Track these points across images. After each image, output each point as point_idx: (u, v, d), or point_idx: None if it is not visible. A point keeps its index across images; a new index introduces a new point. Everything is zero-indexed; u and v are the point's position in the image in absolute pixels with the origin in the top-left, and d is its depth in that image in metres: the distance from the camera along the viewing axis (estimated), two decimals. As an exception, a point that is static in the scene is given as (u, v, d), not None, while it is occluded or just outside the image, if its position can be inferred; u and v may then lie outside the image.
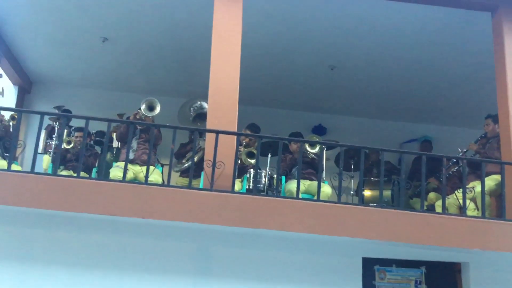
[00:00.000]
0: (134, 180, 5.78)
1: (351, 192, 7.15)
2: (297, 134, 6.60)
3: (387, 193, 6.66)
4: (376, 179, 7.07)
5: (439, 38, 6.65)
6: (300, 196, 5.31)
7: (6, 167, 4.92)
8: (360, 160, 5.22)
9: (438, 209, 5.85)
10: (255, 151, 6.15)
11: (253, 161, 6.13)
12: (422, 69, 7.45)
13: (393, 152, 6.41)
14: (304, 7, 6.23)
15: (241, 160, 6.03)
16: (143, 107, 5.92)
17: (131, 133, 5.21)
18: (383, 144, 7.44)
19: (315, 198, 5.23)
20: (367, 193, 7.16)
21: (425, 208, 5.43)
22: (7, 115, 6.45)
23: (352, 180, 7.13)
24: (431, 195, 6.76)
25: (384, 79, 7.84)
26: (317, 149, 6.14)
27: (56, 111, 7.56)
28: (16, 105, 8.31)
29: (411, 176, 7.29)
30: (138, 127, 6.01)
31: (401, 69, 7.50)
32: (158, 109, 5.89)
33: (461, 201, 5.28)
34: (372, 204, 6.23)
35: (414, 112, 8.85)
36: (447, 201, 5.55)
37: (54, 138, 6.74)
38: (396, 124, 9.16)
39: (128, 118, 6.71)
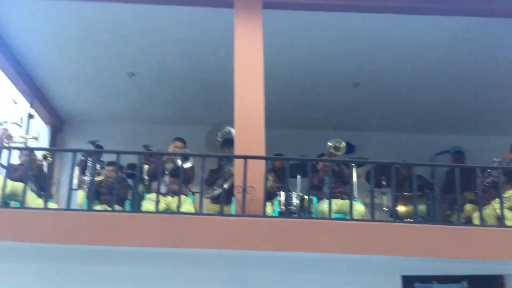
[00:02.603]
0: (167, 211, 5.83)
1: (384, 208, 7.03)
2: (323, 155, 6.56)
3: (422, 207, 6.53)
4: (409, 194, 6.94)
5: (464, 47, 6.58)
6: (333, 216, 5.26)
7: (42, 205, 5.04)
8: (391, 176, 5.15)
9: (476, 221, 5.71)
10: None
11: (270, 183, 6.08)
12: (449, 79, 7.37)
13: (424, 166, 6.30)
14: (323, 27, 6.28)
15: None
16: (178, 161, 5.92)
17: (160, 164, 5.26)
18: (414, 158, 7.36)
19: (348, 217, 5.17)
20: (401, 208, 7.04)
21: (462, 220, 5.31)
22: (39, 154, 6.63)
23: (384, 197, 7.02)
24: (468, 206, 6.60)
25: (410, 92, 7.78)
26: (340, 152, 6.05)
27: (90, 146, 7.75)
28: (50, 144, 8.56)
29: (446, 188, 7.14)
30: (167, 166, 6.04)
31: (427, 80, 7.43)
32: (191, 162, 5.90)
33: (498, 211, 5.14)
34: (407, 220, 6.12)
35: (444, 123, 8.72)
36: (484, 212, 5.41)
37: (87, 173, 6.89)
38: (426, 137, 9.03)
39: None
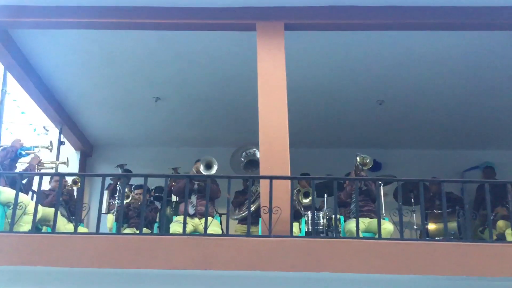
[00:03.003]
0: (195, 233, 5.86)
1: (414, 227, 6.90)
2: (349, 174, 6.52)
3: (453, 225, 6.40)
4: (439, 211, 6.82)
5: (490, 61, 6.50)
6: (361, 235, 5.20)
7: (72, 230, 5.12)
8: (420, 193, 5.08)
9: (509, 237, 5.56)
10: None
11: (307, 200, 6.08)
12: (475, 93, 7.25)
13: (453, 182, 6.20)
14: (345, 45, 6.30)
15: (298, 201, 6.01)
16: (201, 167, 6.02)
17: (187, 187, 5.32)
18: (443, 174, 7.25)
19: (377, 236, 5.10)
20: (431, 226, 6.91)
21: (494, 238, 5.18)
22: (69, 179, 6.77)
23: (414, 215, 6.91)
24: (500, 223, 6.42)
25: (436, 107, 7.69)
26: (367, 166, 6.04)
27: (119, 170, 7.89)
28: (79, 169, 8.73)
29: (477, 205, 6.98)
30: (195, 182, 6.11)
31: (453, 95, 7.34)
32: (215, 167, 5.99)
33: (533, 227, 5.01)
34: (438, 238, 6.00)
35: (473, 138, 8.56)
36: (517, 228, 5.27)
37: (116, 197, 7.00)
38: (455, 152, 8.87)
39: (187, 173, 6.87)
